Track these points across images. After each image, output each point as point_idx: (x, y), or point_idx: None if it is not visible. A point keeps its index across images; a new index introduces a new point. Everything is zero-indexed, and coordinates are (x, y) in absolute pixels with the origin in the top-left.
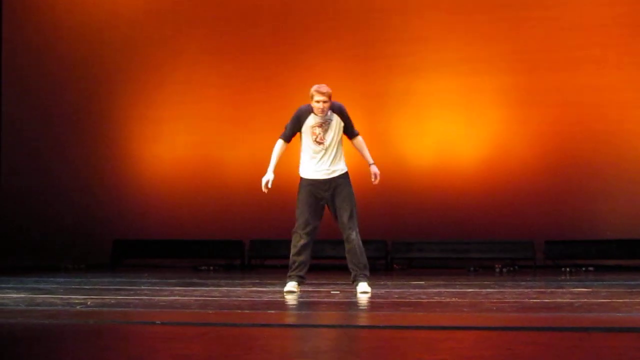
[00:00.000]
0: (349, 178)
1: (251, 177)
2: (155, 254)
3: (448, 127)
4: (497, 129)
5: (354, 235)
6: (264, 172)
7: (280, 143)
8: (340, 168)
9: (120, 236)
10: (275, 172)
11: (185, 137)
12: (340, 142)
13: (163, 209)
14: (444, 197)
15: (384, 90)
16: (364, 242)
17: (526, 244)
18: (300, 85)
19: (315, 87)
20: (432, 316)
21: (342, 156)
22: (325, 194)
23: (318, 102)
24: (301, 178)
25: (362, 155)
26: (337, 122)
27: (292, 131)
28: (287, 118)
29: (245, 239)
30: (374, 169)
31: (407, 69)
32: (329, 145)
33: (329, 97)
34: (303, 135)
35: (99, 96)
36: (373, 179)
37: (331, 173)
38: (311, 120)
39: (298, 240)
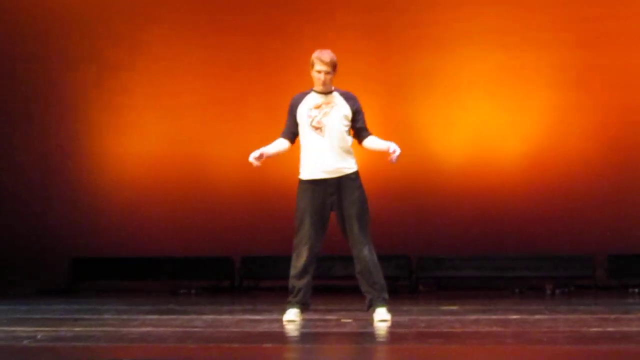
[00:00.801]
0: (359, 178)
1: (242, 179)
2: (123, 275)
3: (485, 115)
4: (548, 117)
5: (367, 251)
6: (255, 174)
7: (280, 139)
8: (348, 166)
9: (79, 253)
10: (272, 170)
11: (160, 130)
12: (348, 134)
13: (133, 220)
14: (481, 203)
15: (404, 70)
16: (382, 258)
17: (584, 260)
18: (301, 63)
19: (316, 53)
20: (468, 350)
21: (351, 152)
22: (330, 198)
23: (319, 72)
24: (300, 180)
25: (378, 148)
26: (342, 109)
27: (292, 124)
28: (286, 106)
29: (235, 256)
30: (393, 145)
31: (432, 42)
32: (331, 132)
33: (334, 66)
34: (299, 127)
35: (53, 80)
36: (391, 153)
37: (336, 171)
38: (306, 102)
39: (298, 258)
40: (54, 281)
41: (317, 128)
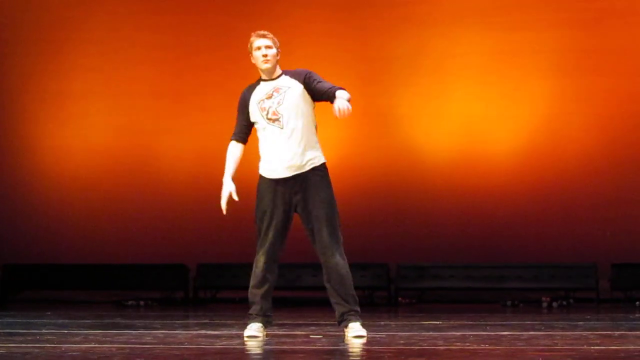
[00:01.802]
0: (326, 174)
1: (199, 175)
2: (63, 285)
3: (476, 104)
4: (545, 107)
5: (338, 258)
6: (216, 170)
7: (232, 145)
8: (313, 159)
9: (11, 259)
10: (234, 179)
11: (105, 120)
12: (312, 123)
13: (73, 221)
14: (469, 204)
15: (387, 52)
16: (356, 266)
17: (585, 269)
18: None
19: (253, 34)
20: None
21: (317, 144)
22: (294, 197)
23: (259, 47)
24: (260, 176)
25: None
26: (298, 92)
27: (243, 123)
28: None
29: (190, 263)
30: (340, 101)
31: (416, 23)
32: (290, 122)
33: (274, 41)
34: (256, 124)
35: None
36: (335, 110)
37: (299, 167)
38: (257, 94)
39: (255, 265)
40: None
41: (273, 120)
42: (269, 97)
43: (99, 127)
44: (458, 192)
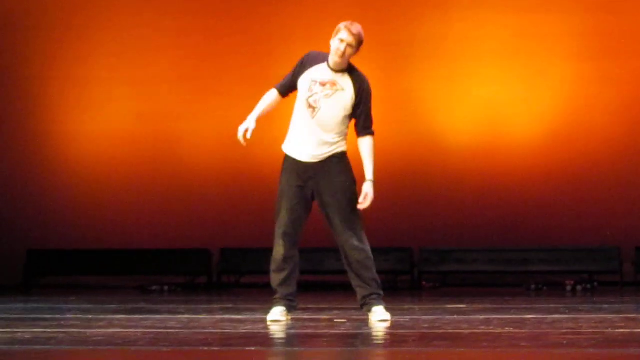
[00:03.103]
0: (344, 160)
1: (221, 160)
2: (87, 270)
3: (498, 88)
4: (568, 91)
5: (353, 243)
6: (238, 155)
7: (271, 92)
8: (334, 149)
9: (36, 245)
10: (254, 150)
11: (127, 105)
12: (343, 124)
13: (97, 207)
14: (492, 188)
15: (408, 36)
16: (380, 250)
17: (609, 252)
18: (287, 29)
19: (346, 23)
20: (477, 354)
21: (343, 136)
22: (309, 182)
23: (342, 40)
24: (285, 155)
25: (363, 164)
26: (348, 97)
27: (292, 79)
28: (270, 78)
29: (213, 248)
30: (368, 187)
31: (440, 6)
32: (322, 118)
33: (359, 42)
34: (298, 91)
35: (2, 49)
36: (361, 200)
37: (316, 157)
38: (316, 71)
39: (275, 248)
40: (7, 277)
41: (311, 106)
42: (322, 85)
43: (121, 112)
44: (480, 175)
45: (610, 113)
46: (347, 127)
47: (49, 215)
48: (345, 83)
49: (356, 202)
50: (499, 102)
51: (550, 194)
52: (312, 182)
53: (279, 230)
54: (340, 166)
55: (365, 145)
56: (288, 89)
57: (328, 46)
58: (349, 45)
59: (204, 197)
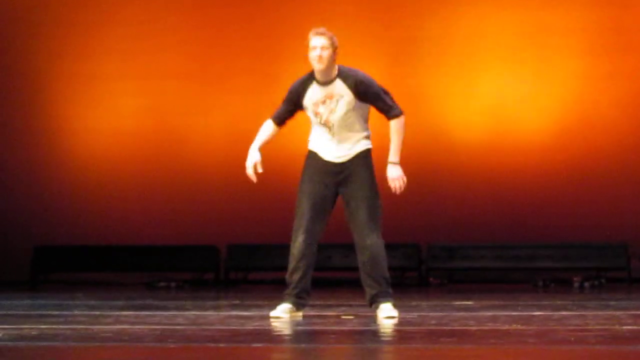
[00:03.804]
0: (369, 159)
1: (228, 157)
2: (94, 266)
3: (506, 84)
4: (576, 86)
5: (373, 239)
6: (245, 151)
7: (267, 123)
8: (356, 148)
9: (43, 242)
10: (263, 152)
11: (135, 102)
12: (364, 119)
13: (104, 203)
14: (500, 184)
15: (417, 32)
16: (387, 246)
17: (617, 249)
18: (296, 26)
19: (311, 32)
20: (484, 351)
21: (366, 134)
22: (335, 178)
23: (314, 47)
24: (309, 151)
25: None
26: (349, 101)
27: (286, 109)
28: (278, 74)
29: (220, 245)
30: (390, 170)
31: (449, 2)
32: (340, 130)
33: (332, 41)
34: (309, 116)
35: (7, 45)
36: (391, 185)
37: (343, 156)
38: (310, 95)
39: (292, 246)
40: (15, 273)
41: (326, 126)
42: (323, 103)
43: (128, 109)
44: (488, 171)
45: (619, 109)
46: (367, 121)
47: (56, 211)
48: (340, 88)
49: (378, 199)
50: (508, 98)
51: (558, 191)
52: (337, 180)
53: (299, 225)
54: (365, 163)
55: (392, 128)
56: (285, 117)
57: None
58: (322, 47)
59: (212, 193)
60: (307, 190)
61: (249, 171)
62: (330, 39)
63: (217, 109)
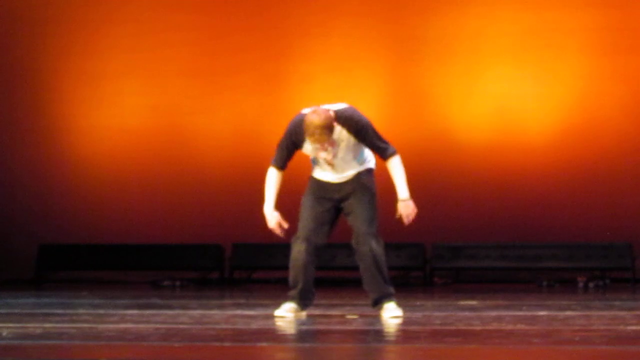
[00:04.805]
0: (370, 176)
1: (234, 156)
2: (98, 265)
3: (510, 84)
4: (580, 86)
5: (371, 245)
6: (250, 150)
7: (272, 173)
8: (358, 169)
9: (48, 240)
10: (266, 145)
11: (140, 100)
12: (361, 153)
13: (109, 202)
14: (504, 184)
15: (421, 32)
16: (392, 246)
17: (622, 249)
18: (302, 25)
19: (305, 123)
20: (489, 350)
21: (363, 159)
22: (337, 194)
23: (316, 148)
24: (310, 176)
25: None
26: (349, 144)
27: (287, 155)
28: (284, 73)
29: (225, 243)
30: (401, 207)
31: (453, 2)
32: (344, 168)
33: (327, 130)
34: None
35: (14, 43)
36: (397, 217)
37: (342, 177)
38: (310, 145)
39: (294, 254)
40: (19, 271)
41: (327, 164)
42: (324, 149)
43: (134, 107)
44: (493, 171)
45: (623, 109)
46: (367, 153)
47: (61, 210)
48: (340, 134)
49: (375, 205)
50: (512, 98)
51: (563, 190)
52: (339, 196)
53: (299, 235)
54: (366, 181)
55: (390, 168)
56: (286, 161)
57: (341, 43)
58: (320, 143)
59: (217, 192)
60: (309, 204)
61: (276, 231)
62: (323, 129)
63: (223, 108)
